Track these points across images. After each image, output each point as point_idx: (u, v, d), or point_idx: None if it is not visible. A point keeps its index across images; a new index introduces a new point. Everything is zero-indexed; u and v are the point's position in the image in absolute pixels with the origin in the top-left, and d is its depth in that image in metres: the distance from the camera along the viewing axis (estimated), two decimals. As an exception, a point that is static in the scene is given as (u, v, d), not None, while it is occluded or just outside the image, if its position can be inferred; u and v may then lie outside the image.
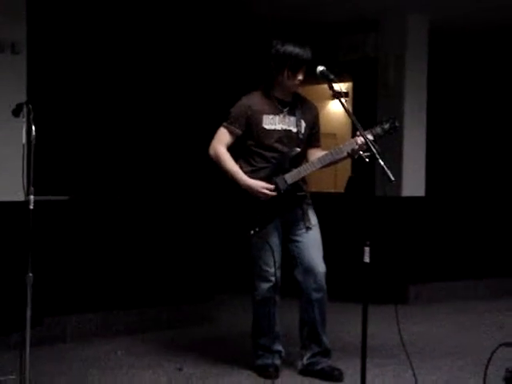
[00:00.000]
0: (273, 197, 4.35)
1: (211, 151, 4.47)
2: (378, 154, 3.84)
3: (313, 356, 4.55)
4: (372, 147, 3.87)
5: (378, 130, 4.33)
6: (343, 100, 4.22)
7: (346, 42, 7.71)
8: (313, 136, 4.59)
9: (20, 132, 3.88)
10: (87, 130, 5.57)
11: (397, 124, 4.36)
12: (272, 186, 4.36)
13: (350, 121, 4.45)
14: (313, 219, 4.53)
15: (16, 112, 3.94)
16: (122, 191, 5.72)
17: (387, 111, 6.94)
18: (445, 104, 7.87)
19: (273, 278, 4.46)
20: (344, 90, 8.79)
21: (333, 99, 10.28)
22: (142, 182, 5.81)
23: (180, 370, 4.66)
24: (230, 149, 4.49)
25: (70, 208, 5.39)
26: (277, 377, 4.44)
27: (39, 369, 4.45)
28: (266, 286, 4.49)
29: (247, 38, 7.78)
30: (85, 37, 5.55)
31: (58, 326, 5.30)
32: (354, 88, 8.28)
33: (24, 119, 3.90)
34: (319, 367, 4.52)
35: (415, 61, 7.25)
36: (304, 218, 4.49)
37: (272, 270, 4.45)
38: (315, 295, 4.49)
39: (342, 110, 4.24)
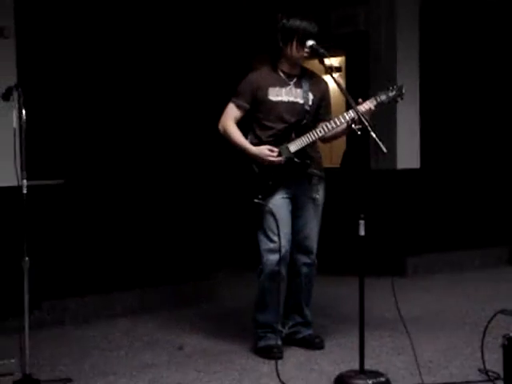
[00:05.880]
0: (277, 166, 4.38)
1: (220, 126, 4.56)
2: (370, 127, 3.86)
3: (294, 326, 4.65)
4: (363, 120, 3.89)
5: (383, 97, 4.37)
6: (335, 75, 4.24)
7: (337, 15, 7.65)
8: (322, 109, 4.60)
9: (10, 116, 3.87)
10: (79, 112, 5.53)
11: (404, 91, 4.39)
12: (277, 150, 4.38)
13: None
14: (320, 195, 4.56)
15: (6, 96, 3.93)
16: (117, 170, 5.70)
17: (380, 84, 6.90)
18: (438, 75, 7.83)
19: (283, 249, 4.35)
20: (336, 65, 8.77)
21: (326, 74, 10.24)
22: (137, 160, 5.78)
23: (180, 349, 4.68)
24: (241, 123, 4.54)
25: (65, 191, 5.38)
26: (281, 357, 4.34)
27: (39, 352, 4.47)
28: (273, 258, 4.37)
29: (243, 18, 7.77)
30: (75, 20, 5.49)
31: (57, 309, 5.31)
32: (347, 62, 8.23)
33: (14, 103, 3.89)
34: (301, 336, 4.63)
35: (406, 32, 7.20)
36: (311, 191, 4.51)
37: (282, 242, 4.35)
38: (305, 269, 4.57)
39: (335, 84, 4.24)
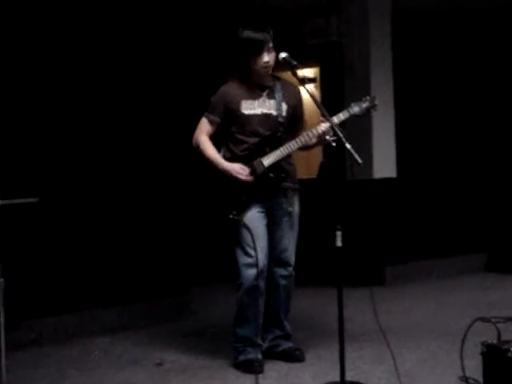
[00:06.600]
0: (252, 180, 4.35)
1: (193, 141, 4.54)
2: (344, 138, 3.85)
3: (274, 339, 4.63)
4: (338, 131, 3.88)
5: (356, 108, 4.35)
6: (308, 86, 4.23)
7: (310, 27, 7.70)
8: (296, 119, 4.57)
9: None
10: (53, 129, 5.49)
11: (376, 102, 4.36)
12: (248, 169, 4.35)
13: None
14: (295, 207, 4.53)
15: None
16: (91, 188, 5.65)
17: (354, 94, 6.92)
18: (412, 84, 7.88)
19: (260, 263, 4.33)
20: (311, 76, 8.80)
21: (300, 85, 10.27)
22: (111, 177, 5.74)
23: (160, 365, 4.63)
24: (215, 137, 4.51)
25: (40, 210, 5.31)
26: (262, 371, 4.30)
27: (17, 373, 4.40)
28: (251, 272, 4.35)
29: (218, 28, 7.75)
30: (42, 32, 5.44)
31: (34, 329, 5.24)
32: (322, 73, 8.27)
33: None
34: (280, 349, 4.61)
35: (379, 42, 7.24)
36: (287, 205, 4.48)
37: (259, 256, 4.33)
38: (283, 282, 4.56)
39: (309, 96, 4.23)
